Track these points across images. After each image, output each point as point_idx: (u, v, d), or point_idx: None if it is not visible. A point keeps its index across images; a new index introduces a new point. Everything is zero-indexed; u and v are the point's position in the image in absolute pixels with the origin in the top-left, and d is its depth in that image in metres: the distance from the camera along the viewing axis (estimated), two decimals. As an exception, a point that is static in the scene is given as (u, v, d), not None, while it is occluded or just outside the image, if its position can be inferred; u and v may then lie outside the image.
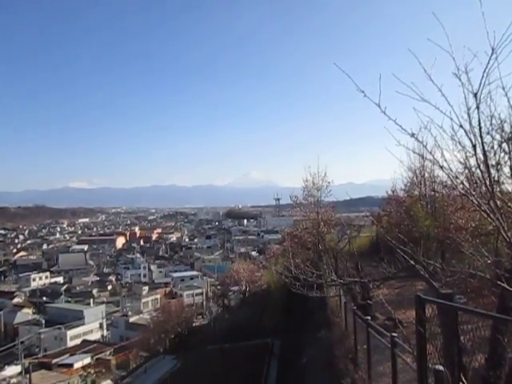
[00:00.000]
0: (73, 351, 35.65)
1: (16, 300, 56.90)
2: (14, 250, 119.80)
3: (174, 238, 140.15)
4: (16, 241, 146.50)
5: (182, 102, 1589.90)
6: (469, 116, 3.73)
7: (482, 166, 3.79)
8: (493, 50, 3.41)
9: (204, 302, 51.57)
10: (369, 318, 7.34)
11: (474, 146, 3.78)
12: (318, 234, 15.05)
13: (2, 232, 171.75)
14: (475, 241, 6.71)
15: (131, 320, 44.38)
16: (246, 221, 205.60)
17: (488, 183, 3.73)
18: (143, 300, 53.72)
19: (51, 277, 77.14)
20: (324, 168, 16.02)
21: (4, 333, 45.50)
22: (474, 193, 3.88)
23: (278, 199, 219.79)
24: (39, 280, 74.04)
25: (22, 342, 36.01)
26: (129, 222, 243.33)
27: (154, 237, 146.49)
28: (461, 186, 4.08)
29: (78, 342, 40.56)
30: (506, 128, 3.91)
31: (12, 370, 31.52)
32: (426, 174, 14.70)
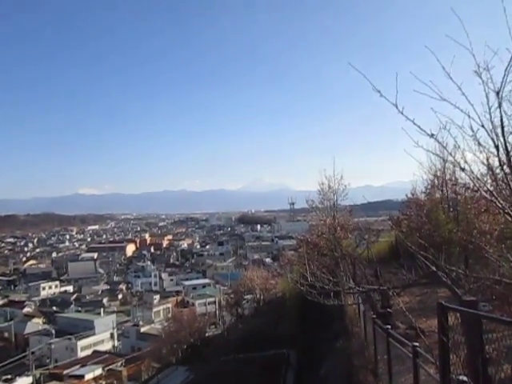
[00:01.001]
0: (84, 362, 35.94)
1: (26, 310, 57.73)
2: (24, 259, 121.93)
3: (185, 244, 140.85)
4: (25, 249, 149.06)
5: (193, 106, 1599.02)
6: (490, 115, 3.70)
7: (505, 167, 3.75)
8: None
9: (217, 311, 51.57)
10: (389, 327, 7.28)
11: (497, 147, 3.75)
12: (334, 240, 14.99)
13: (12, 240, 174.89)
14: (500, 245, 6.61)
15: (142, 330, 44.61)
16: (259, 226, 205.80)
17: (512, 185, 3.70)
18: (154, 309, 53.98)
19: (61, 286, 78.19)
20: (340, 171, 15.97)
21: (15, 343, 46.19)
22: (497, 195, 3.85)
23: (293, 203, 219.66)
24: (49, 289, 75.10)
25: (32, 353, 36.51)
26: (139, 228, 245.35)
27: (165, 244, 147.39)
28: (484, 188, 4.04)
29: (88, 352, 40.88)
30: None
31: (23, 381, 31.87)
32: (448, 176, 14.55)
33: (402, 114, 3.86)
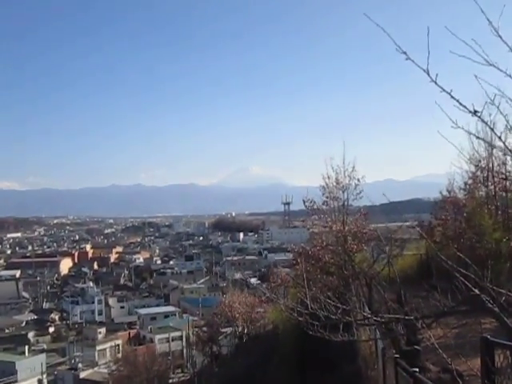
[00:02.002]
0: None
1: None
2: None
3: (140, 259, 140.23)
4: None
5: (154, 76, 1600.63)
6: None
7: None
8: None
9: (184, 350, 51.62)
10: (417, 369, 7.36)
11: None
12: (344, 253, 15.10)
13: None
14: None
15: (82, 375, 44.45)
16: (242, 234, 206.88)
17: None
18: (99, 347, 53.75)
19: (-31, 315, 77.14)
20: (352, 160, 16.17)
21: None
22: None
23: (288, 204, 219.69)
24: (-48, 320, 73.98)
25: None
26: (77, 237, 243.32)
27: (113, 258, 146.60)
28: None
29: (7, 407, 40.51)
30: None
31: None
32: (495, 167, 14.78)
33: (435, 83, 3.89)
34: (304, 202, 17.06)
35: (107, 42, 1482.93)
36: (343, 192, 16.35)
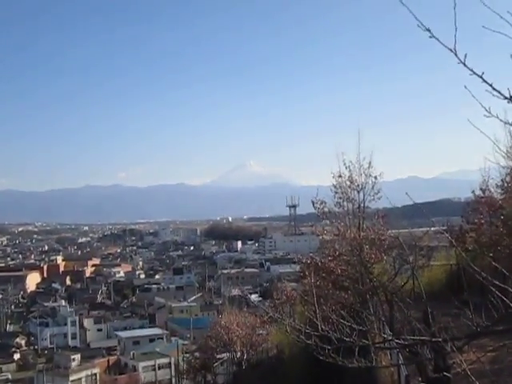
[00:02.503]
0: None
1: None
2: None
3: (121, 273, 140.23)
4: None
5: (136, 58, 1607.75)
6: None
7: None
8: None
9: (173, 379, 51.57)
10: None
11: None
12: (360, 264, 15.12)
13: None
14: None
15: (53, 410, 44.29)
16: (239, 243, 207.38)
17: None
18: (72, 377, 53.66)
19: None
20: (368, 155, 16.22)
21: None
22: None
23: (294, 206, 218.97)
24: None
25: None
26: (46, 247, 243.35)
27: (89, 272, 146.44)
28: None
29: None
30: None
31: None
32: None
33: (464, 64, 3.90)
34: (313, 204, 17.12)
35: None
36: (358, 192, 16.44)
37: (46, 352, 71.17)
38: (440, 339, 8.44)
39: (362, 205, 16.53)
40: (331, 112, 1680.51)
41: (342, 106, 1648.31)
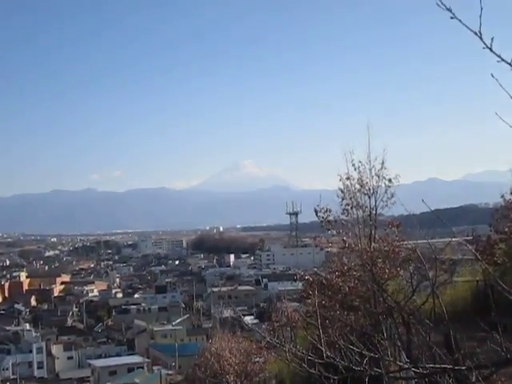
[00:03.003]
0: None
1: None
2: None
3: (94, 291, 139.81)
4: None
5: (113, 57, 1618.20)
6: None
7: None
8: None
9: (156, 416, 51.33)
10: None
11: None
12: (372, 281, 15.12)
13: None
14: None
15: None
16: (232, 257, 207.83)
17: None
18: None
19: None
20: (380, 154, 16.25)
21: None
22: None
23: (295, 214, 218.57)
24: None
25: None
26: (8, 262, 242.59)
27: (57, 291, 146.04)
28: None
29: None
30: None
31: None
32: None
33: (490, 49, 3.90)
34: (316, 211, 17.06)
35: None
36: (369, 197, 16.44)
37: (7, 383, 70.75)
38: (464, 367, 8.42)
39: (374, 212, 16.50)
40: (339, 109, 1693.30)
41: (352, 104, 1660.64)
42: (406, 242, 16.91)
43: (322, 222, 16.93)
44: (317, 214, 16.99)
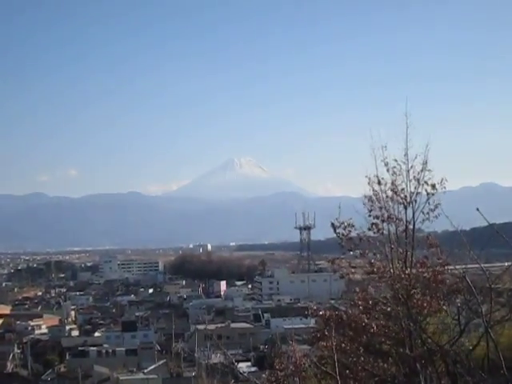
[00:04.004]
0: None
1: None
2: None
3: (43, 328, 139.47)
4: None
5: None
6: None
7: None
8: None
9: None
10: None
11: None
12: (407, 318, 15.14)
13: None
14: None
15: None
16: (223, 284, 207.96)
17: None
18: None
19: None
20: (422, 151, 16.21)
21: None
22: None
23: (307, 229, 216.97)
24: None
25: None
26: None
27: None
28: None
29: None
30: None
31: None
32: None
33: None
34: (335, 226, 17.00)
35: None
36: (406, 207, 16.36)
37: None
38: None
39: (411, 227, 16.47)
40: (368, 97, 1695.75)
41: (386, 93, 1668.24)
42: (452, 267, 16.90)
43: (341, 239, 16.75)
44: (335, 230, 16.87)
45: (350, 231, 16.55)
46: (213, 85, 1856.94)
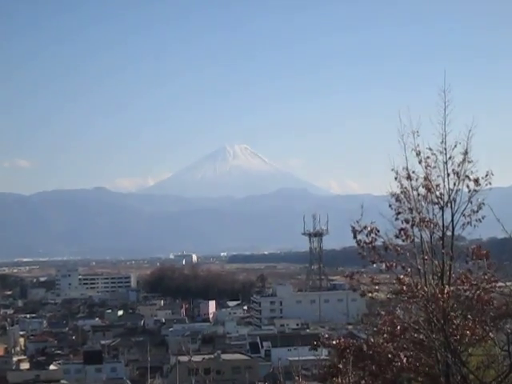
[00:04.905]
0: None
1: None
2: None
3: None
4: None
5: None
6: None
7: None
8: None
9: None
10: None
11: None
12: (445, 348, 15.12)
13: None
14: None
15: None
16: (213, 304, 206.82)
17: None
18: None
19: None
20: (464, 137, 16.15)
21: None
22: None
23: (319, 235, 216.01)
24: None
25: None
26: None
27: None
28: None
29: None
30: None
31: None
32: None
33: None
34: (354, 233, 16.83)
35: None
36: (442, 209, 16.31)
37: None
38: None
39: (450, 233, 16.42)
40: (394, 73, 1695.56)
41: (419, 68, 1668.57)
42: (501, 284, 16.89)
43: (362, 248, 16.66)
44: (355, 236, 16.73)
45: (375, 238, 16.36)
46: (200, 54, 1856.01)
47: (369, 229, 16.22)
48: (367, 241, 16.30)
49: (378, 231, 16.23)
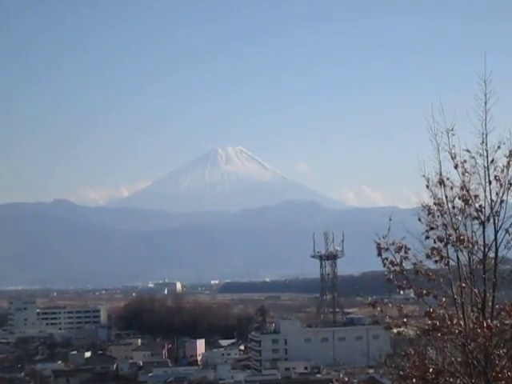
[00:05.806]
0: None
1: None
2: None
3: None
4: None
5: None
6: None
7: None
8: None
9: None
10: None
11: None
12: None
13: None
14: None
15: None
16: (202, 343, 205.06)
17: None
18: None
19: None
20: (508, 136, 16.15)
21: None
22: None
23: (333, 257, 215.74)
24: None
25: None
26: None
27: None
28: None
29: None
30: None
31: None
32: None
33: None
34: (380, 247, 16.54)
35: None
36: (483, 224, 16.27)
37: None
38: None
39: (493, 253, 16.37)
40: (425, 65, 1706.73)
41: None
42: None
43: (389, 270, 16.44)
44: (380, 253, 16.48)
45: (405, 257, 16.16)
46: (190, 44, 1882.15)
47: (397, 245, 16.03)
48: (395, 261, 16.11)
49: (409, 249, 16.08)
